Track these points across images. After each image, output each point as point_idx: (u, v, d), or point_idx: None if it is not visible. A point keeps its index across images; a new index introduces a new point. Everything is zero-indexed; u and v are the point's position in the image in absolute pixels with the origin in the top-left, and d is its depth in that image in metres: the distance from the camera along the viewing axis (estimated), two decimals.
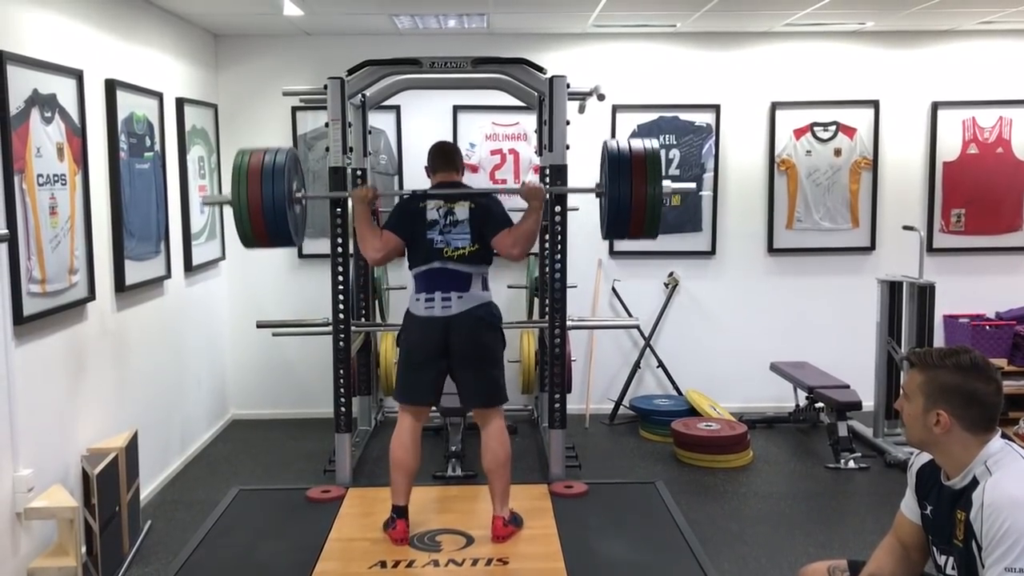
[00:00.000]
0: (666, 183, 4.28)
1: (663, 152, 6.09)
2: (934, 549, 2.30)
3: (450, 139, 6.05)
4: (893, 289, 5.42)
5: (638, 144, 4.35)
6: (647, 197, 4.21)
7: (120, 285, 4.41)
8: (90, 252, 4.07)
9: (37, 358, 3.64)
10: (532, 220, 3.98)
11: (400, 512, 3.97)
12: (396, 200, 4.27)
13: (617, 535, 4.07)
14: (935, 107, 6.17)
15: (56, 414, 3.81)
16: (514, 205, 4.27)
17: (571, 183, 4.75)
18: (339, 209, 4.70)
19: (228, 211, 5.90)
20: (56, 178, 3.76)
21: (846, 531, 4.28)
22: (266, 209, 4.24)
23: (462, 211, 3.95)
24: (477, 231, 3.94)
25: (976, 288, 6.26)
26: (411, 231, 3.98)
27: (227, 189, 4.65)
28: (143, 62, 4.80)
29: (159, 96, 4.91)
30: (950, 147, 6.21)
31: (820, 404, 5.60)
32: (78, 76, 3.98)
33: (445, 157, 4.16)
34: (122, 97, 4.42)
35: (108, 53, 4.38)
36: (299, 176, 4.54)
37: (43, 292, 3.64)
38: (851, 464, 5.09)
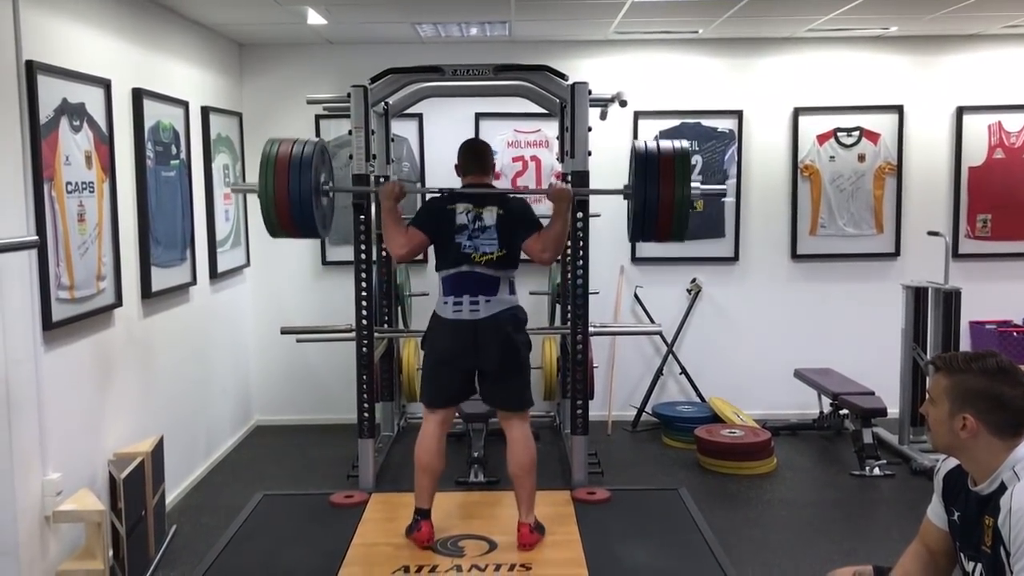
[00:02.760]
0: (695, 184, 4.23)
1: None
2: (961, 555, 2.28)
3: None
4: (918, 295, 5.38)
5: (667, 144, 4.30)
6: (675, 199, 4.17)
7: (146, 291, 4.46)
8: (117, 259, 4.12)
9: (65, 363, 3.69)
10: (560, 223, 3.98)
11: (424, 514, 3.98)
12: (421, 198, 4.25)
13: (640, 542, 4.06)
14: (960, 112, 6.13)
15: (84, 419, 3.86)
16: (543, 212, 4.27)
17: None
18: (362, 216, 4.73)
19: (251, 221, 5.98)
20: (84, 186, 3.81)
21: (871, 538, 4.24)
22: (292, 199, 4.24)
23: (490, 216, 3.95)
24: (505, 236, 3.94)
25: (1003, 294, 6.20)
26: (438, 232, 3.98)
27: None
28: (169, 71, 4.86)
29: (185, 105, 4.96)
30: (976, 152, 6.16)
31: (845, 411, 5.56)
32: (106, 85, 4.03)
33: (476, 159, 4.14)
34: (149, 106, 4.47)
35: (135, 63, 4.43)
36: (327, 168, 4.54)
37: (71, 298, 3.69)
38: (876, 471, 5.05)
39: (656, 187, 4.17)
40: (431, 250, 4.09)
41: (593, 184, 4.70)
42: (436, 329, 4.00)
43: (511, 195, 4.16)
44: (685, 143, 4.30)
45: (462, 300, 3.91)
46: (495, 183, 4.27)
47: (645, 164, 4.23)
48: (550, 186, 4.14)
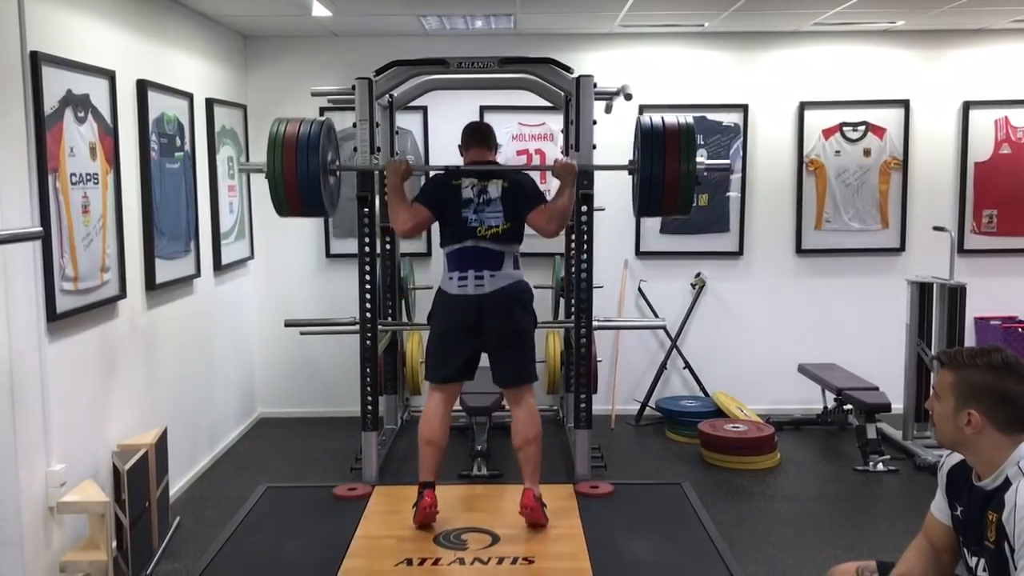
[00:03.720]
0: (700, 158, 4.23)
1: None
2: (965, 551, 2.27)
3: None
4: (923, 290, 5.37)
5: (672, 119, 4.30)
6: (681, 174, 4.16)
7: (150, 283, 4.46)
8: (121, 250, 4.12)
9: (69, 355, 3.69)
10: (566, 197, 4.03)
11: (428, 486, 4.00)
12: (426, 176, 4.27)
13: (643, 536, 4.06)
14: (966, 107, 6.10)
15: (88, 410, 3.86)
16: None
17: (597, 181, 4.74)
18: (366, 209, 4.72)
19: (256, 213, 5.98)
20: (88, 177, 3.81)
21: (875, 534, 4.24)
22: (300, 178, 4.22)
23: (495, 189, 4.01)
24: (510, 209, 3.98)
25: (1008, 290, 6.18)
26: (444, 207, 4.02)
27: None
28: (174, 63, 4.86)
29: (189, 97, 4.96)
30: (982, 147, 6.14)
31: (849, 406, 5.55)
32: (110, 77, 4.03)
33: (479, 135, 4.19)
34: (153, 98, 4.47)
35: (140, 54, 4.43)
36: (334, 147, 4.52)
37: (75, 289, 3.69)
38: (880, 467, 5.04)
39: (662, 162, 4.16)
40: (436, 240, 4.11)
41: (596, 174, 4.71)
42: (441, 304, 4.04)
43: (516, 171, 4.18)
44: (690, 118, 4.29)
45: (467, 275, 3.96)
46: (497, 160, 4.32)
47: (651, 139, 4.22)
48: (555, 161, 4.18)
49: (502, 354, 4.05)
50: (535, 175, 5.35)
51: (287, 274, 6.21)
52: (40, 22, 3.50)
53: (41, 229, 3.27)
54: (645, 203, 4.32)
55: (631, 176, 4.53)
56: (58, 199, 3.54)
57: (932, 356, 5.15)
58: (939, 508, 2.38)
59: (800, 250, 6.22)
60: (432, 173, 4.32)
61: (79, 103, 3.73)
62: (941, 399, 2.21)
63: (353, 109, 4.72)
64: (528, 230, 4.14)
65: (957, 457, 2.31)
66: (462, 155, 4.23)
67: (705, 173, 4.26)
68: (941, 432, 2.24)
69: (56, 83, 3.55)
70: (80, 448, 3.74)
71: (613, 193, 5.62)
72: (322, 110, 6.00)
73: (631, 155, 4.46)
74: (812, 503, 4.65)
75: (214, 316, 5.42)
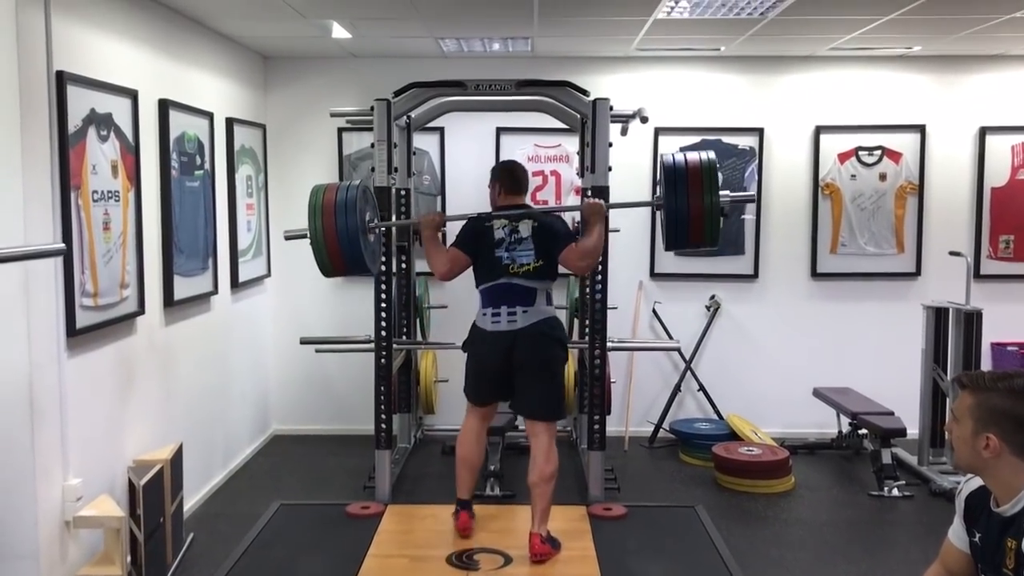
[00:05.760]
0: (724, 193, 4.25)
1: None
2: None
3: (492, 161, 6.10)
4: (939, 316, 5.35)
5: (694, 156, 4.32)
6: (705, 207, 4.20)
7: (169, 300, 4.49)
8: (141, 267, 4.16)
9: (88, 370, 3.72)
10: (595, 235, 4.12)
11: (464, 504, 4.15)
12: (463, 222, 4.34)
13: (656, 558, 4.04)
14: (983, 132, 6.10)
15: (105, 425, 3.88)
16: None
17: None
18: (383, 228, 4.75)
19: (273, 232, 6.03)
20: (110, 194, 3.85)
21: (890, 560, 4.21)
22: (341, 239, 4.27)
23: (525, 228, 4.13)
24: (540, 247, 4.10)
25: None
26: (478, 249, 4.16)
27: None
28: (195, 83, 4.91)
29: (210, 116, 5.01)
30: (998, 172, 6.13)
31: (864, 431, 5.52)
32: (133, 96, 4.08)
33: (514, 181, 4.31)
34: (174, 117, 4.52)
35: (162, 74, 4.49)
36: (371, 207, 4.55)
37: (95, 305, 3.72)
38: (895, 492, 5.01)
39: (686, 197, 4.18)
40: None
41: (613, 199, 4.72)
42: (475, 339, 4.19)
43: (546, 212, 4.28)
44: (712, 154, 4.31)
45: (500, 311, 4.10)
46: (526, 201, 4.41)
47: (674, 176, 4.25)
48: (583, 201, 4.27)
49: (529, 386, 4.13)
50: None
51: (303, 292, 6.23)
52: (66, 42, 3.55)
53: (63, 245, 3.30)
54: (672, 236, 4.33)
55: (657, 211, 4.58)
56: (80, 216, 3.58)
57: (951, 379, 5.13)
58: (957, 534, 2.36)
59: (815, 274, 6.22)
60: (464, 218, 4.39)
61: (102, 121, 3.78)
62: (960, 422, 2.20)
63: (371, 130, 4.77)
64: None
65: (976, 483, 2.30)
66: (494, 193, 4.30)
67: (730, 204, 4.27)
68: (959, 455, 2.23)
69: (80, 102, 3.60)
70: (97, 463, 3.76)
71: (629, 216, 5.65)
72: (340, 130, 6.06)
73: (647, 179, 4.50)
74: (826, 528, 4.62)
75: (231, 333, 5.45)
